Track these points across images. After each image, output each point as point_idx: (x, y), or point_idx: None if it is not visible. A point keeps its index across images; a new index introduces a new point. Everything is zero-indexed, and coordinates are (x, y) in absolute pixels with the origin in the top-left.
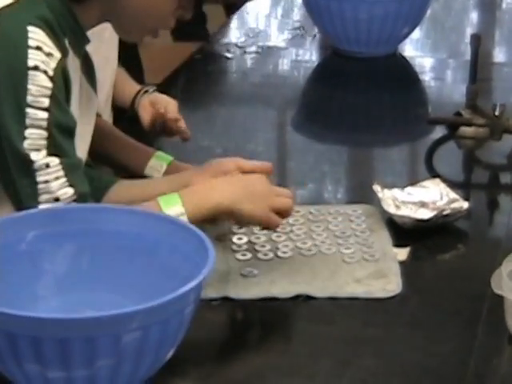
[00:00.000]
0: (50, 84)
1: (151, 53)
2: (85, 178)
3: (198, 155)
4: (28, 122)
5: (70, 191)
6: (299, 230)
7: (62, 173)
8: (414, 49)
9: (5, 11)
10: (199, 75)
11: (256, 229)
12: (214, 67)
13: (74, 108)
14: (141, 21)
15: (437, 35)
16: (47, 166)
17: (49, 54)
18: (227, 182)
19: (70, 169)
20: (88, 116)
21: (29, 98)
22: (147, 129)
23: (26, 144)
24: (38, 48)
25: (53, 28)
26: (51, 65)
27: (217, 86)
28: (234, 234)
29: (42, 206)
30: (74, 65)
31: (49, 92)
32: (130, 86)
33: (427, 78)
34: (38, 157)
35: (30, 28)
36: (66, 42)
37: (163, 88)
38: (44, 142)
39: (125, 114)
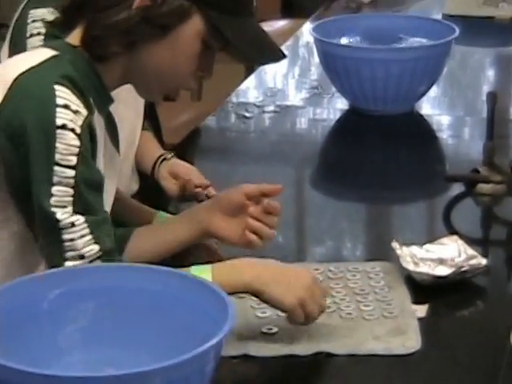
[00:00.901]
0: (77, 142)
1: (170, 112)
2: (111, 232)
3: None
4: (55, 179)
5: (96, 248)
6: None
7: (87, 230)
8: (431, 107)
9: (30, 72)
10: (218, 134)
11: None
12: (232, 126)
13: (100, 163)
14: (161, 81)
15: (453, 93)
16: (72, 224)
17: (76, 112)
18: (268, 269)
19: (96, 225)
20: (111, 173)
21: (57, 156)
22: (176, 198)
23: (53, 201)
24: (66, 106)
25: (78, 86)
26: (78, 122)
27: (235, 145)
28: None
29: (67, 263)
30: (99, 123)
31: (76, 150)
32: (151, 152)
33: (444, 135)
34: (64, 216)
35: (57, 87)
36: (91, 100)
37: (182, 147)
38: (70, 199)
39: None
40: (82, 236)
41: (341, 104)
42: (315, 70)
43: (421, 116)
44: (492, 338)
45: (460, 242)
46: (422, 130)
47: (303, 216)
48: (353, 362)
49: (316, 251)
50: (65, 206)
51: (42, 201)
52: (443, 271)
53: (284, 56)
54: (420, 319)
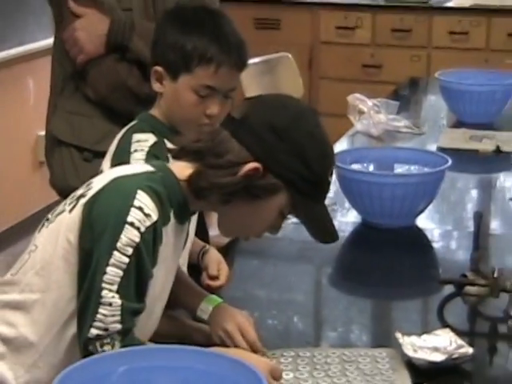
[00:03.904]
0: (138, 239)
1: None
2: (135, 321)
3: (247, 301)
4: (111, 261)
5: (118, 326)
6: (335, 368)
7: (118, 312)
8: (427, 221)
9: (126, 176)
10: (254, 240)
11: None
12: (266, 234)
13: (164, 262)
14: (236, 229)
15: (445, 210)
16: (110, 304)
17: (147, 215)
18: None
19: (127, 311)
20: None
21: (118, 244)
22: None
23: (105, 278)
24: (140, 208)
25: (160, 198)
26: (146, 223)
27: (269, 249)
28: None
29: (91, 330)
30: (175, 231)
31: (135, 244)
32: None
33: (438, 245)
34: (108, 294)
35: (139, 191)
36: (172, 213)
37: (225, 251)
38: (118, 280)
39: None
40: (113, 315)
41: (353, 218)
42: (332, 189)
43: (419, 229)
44: None
45: (451, 333)
46: (420, 240)
47: (321, 308)
48: None
49: (330, 336)
50: (112, 284)
51: (96, 274)
52: (437, 357)
53: (337, 238)
54: None
